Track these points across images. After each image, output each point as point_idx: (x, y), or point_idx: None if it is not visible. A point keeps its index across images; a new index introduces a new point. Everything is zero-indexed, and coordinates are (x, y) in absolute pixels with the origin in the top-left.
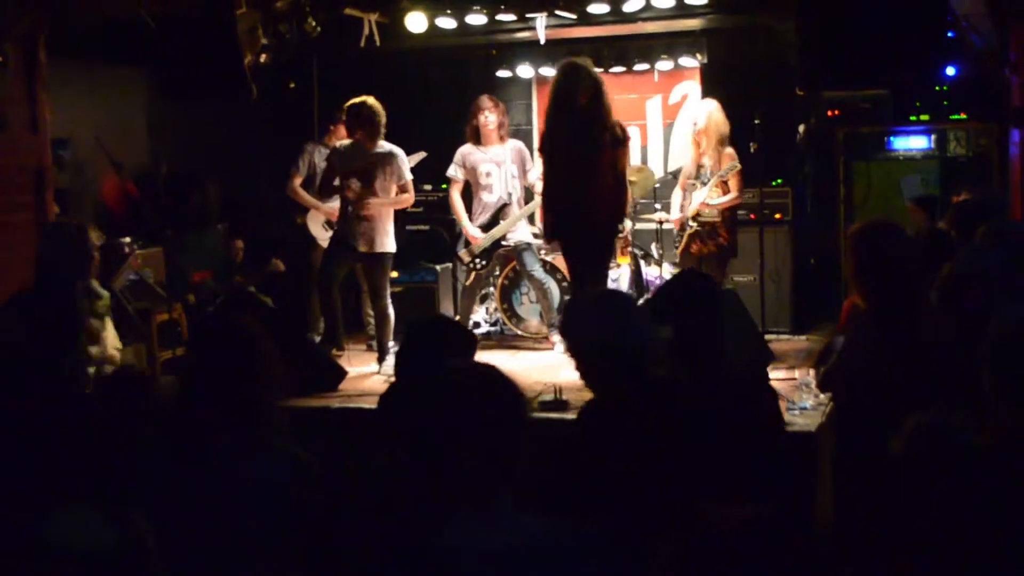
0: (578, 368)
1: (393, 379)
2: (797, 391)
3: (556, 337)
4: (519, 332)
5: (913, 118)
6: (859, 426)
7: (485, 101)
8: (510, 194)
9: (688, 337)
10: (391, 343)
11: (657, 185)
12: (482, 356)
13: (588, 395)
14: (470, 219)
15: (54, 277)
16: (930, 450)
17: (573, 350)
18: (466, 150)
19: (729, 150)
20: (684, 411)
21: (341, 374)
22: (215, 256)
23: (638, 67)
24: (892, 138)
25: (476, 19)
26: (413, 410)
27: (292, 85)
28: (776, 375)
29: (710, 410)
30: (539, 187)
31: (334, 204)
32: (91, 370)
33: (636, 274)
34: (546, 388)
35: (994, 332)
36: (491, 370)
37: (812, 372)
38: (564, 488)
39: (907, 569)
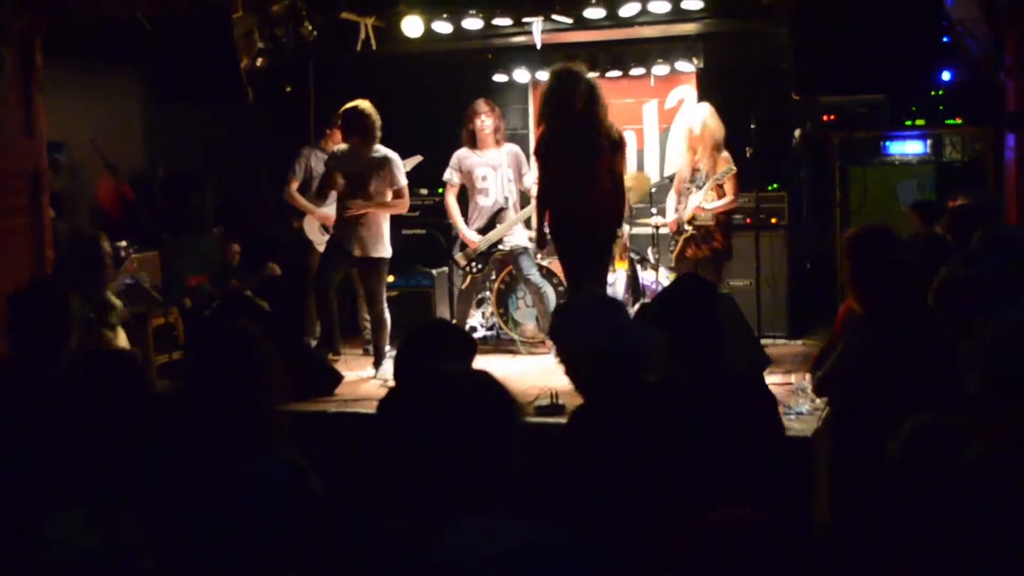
0: (568, 373)
1: (390, 383)
2: (793, 395)
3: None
4: (515, 336)
5: (909, 123)
6: (855, 430)
7: (481, 105)
8: (506, 198)
9: (687, 340)
10: (387, 347)
11: (653, 189)
12: (478, 361)
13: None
14: (466, 223)
15: (62, 284)
16: (927, 454)
17: (563, 355)
18: (462, 154)
19: (724, 154)
20: (683, 413)
21: (337, 378)
22: (211, 260)
23: (634, 71)
24: (888, 143)
25: (472, 23)
26: (407, 413)
27: (288, 89)
28: (772, 379)
29: (709, 411)
30: (535, 191)
31: (330, 208)
32: None
33: (632, 278)
34: (542, 392)
35: (991, 336)
36: (483, 375)
37: (808, 376)
38: (557, 491)
39: (904, 573)
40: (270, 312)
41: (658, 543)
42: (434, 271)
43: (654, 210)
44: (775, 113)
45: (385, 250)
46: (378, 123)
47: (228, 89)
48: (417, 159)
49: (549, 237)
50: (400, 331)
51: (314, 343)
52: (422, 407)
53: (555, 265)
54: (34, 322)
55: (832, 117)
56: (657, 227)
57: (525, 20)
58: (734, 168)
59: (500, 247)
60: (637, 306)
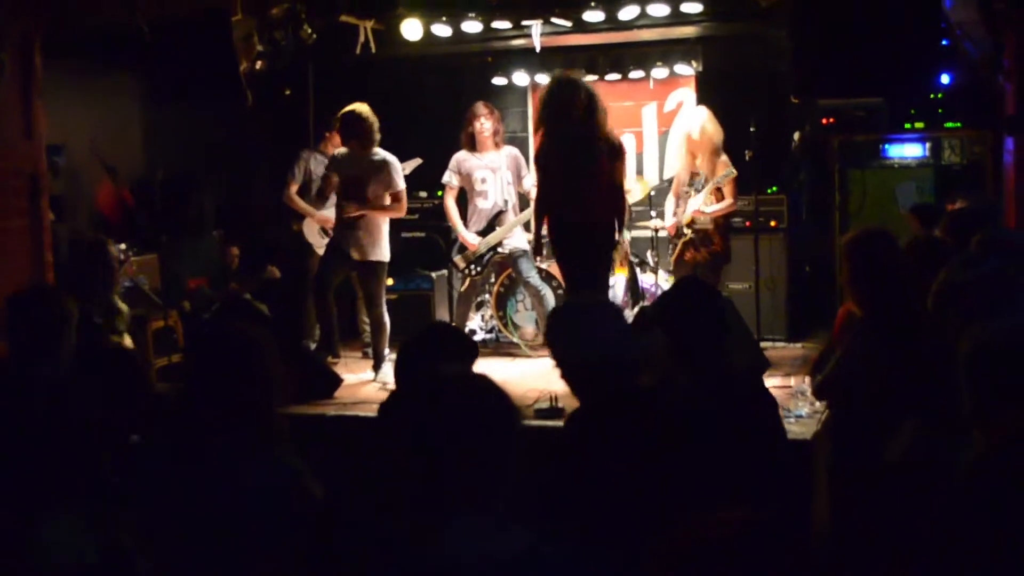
0: (563, 377)
1: (389, 386)
2: (793, 399)
3: None
4: (515, 339)
5: (908, 126)
6: (855, 433)
7: (480, 108)
8: (506, 201)
9: (688, 342)
10: (387, 351)
11: (653, 193)
12: (478, 364)
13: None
14: (465, 226)
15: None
16: (926, 456)
17: (558, 359)
18: (461, 156)
19: (723, 158)
20: (683, 414)
21: (337, 381)
22: (210, 263)
23: (633, 75)
24: (887, 146)
25: (472, 26)
26: (408, 416)
27: (288, 92)
28: (772, 383)
29: (709, 412)
30: (534, 193)
31: (330, 211)
32: None
33: (632, 282)
34: (542, 396)
35: (990, 339)
36: (482, 378)
37: (808, 380)
38: (556, 494)
39: (904, 575)
40: (269, 315)
41: (657, 545)
42: (433, 274)
43: (653, 213)
44: (774, 116)
45: (384, 254)
46: (376, 126)
47: (227, 92)
48: (416, 162)
49: (546, 241)
50: (399, 334)
51: (313, 346)
52: (422, 410)
53: (554, 268)
54: (34, 323)
55: (831, 120)
56: (656, 230)
57: (524, 23)
58: (734, 171)
59: (499, 250)
60: (636, 309)
